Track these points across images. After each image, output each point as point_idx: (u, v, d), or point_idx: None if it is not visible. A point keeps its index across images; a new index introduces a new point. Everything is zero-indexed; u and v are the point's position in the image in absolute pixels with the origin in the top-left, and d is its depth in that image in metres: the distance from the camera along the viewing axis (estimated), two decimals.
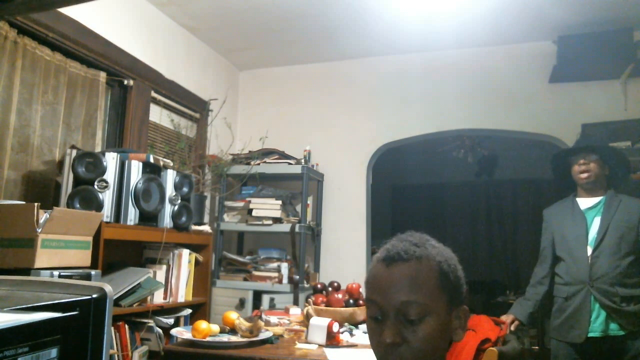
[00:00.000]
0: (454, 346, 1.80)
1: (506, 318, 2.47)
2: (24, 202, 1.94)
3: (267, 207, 3.42)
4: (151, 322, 2.37)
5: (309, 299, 2.35)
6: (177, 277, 2.63)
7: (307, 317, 2.15)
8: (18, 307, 0.71)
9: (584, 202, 2.47)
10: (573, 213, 2.48)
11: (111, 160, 2.24)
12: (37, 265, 1.73)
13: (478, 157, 5.83)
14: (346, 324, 2.21)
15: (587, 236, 2.39)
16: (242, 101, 4.19)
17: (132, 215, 2.31)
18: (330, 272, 3.59)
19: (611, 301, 2.28)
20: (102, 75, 2.68)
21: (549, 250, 2.56)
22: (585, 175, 2.43)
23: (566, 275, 2.44)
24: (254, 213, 3.43)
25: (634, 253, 2.32)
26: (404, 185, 6.91)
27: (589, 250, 2.37)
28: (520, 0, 2.93)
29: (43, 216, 1.76)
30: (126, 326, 2.26)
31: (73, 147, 2.34)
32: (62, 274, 1.79)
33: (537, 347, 4.73)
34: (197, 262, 2.83)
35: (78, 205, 2.11)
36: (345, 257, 3.69)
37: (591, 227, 2.41)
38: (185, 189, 2.67)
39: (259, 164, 3.54)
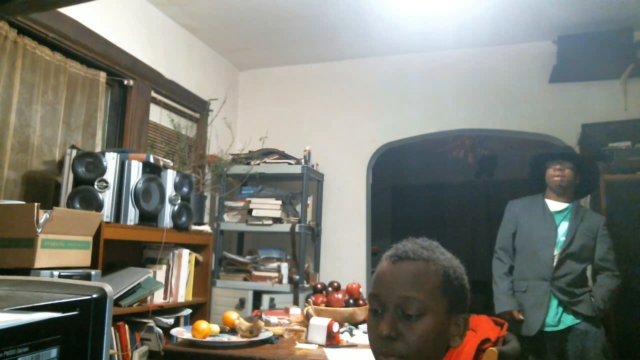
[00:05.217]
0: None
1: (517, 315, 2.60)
2: (24, 202, 1.94)
3: (267, 207, 3.42)
4: (151, 322, 2.37)
5: (309, 299, 2.34)
6: (177, 277, 2.63)
7: (307, 317, 2.15)
8: (18, 307, 0.71)
9: (553, 205, 2.63)
10: (544, 214, 2.63)
11: (111, 160, 2.24)
12: (37, 265, 1.73)
13: (478, 157, 5.82)
14: (346, 324, 2.21)
15: (554, 238, 2.56)
16: (242, 101, 4.19)
17: (132, 215, 2.31)
18: (330, 272, 3.59)
19: (567, 296, 2.47)
20: (102, 75, 2.68)
21: (510, 240, 2.70)
22: (558, 179, 2.59)
23: (528, 270, 2.59)
24: (254, 213, 3.43)
25: (588, 260, 2.55)
26: (404, 185, 6.90)
27: (555, 251, 2.53)
28: (520, 0, 2.93)
29: (43, 216, 1.76)
30: (126, 326, 2.26)
31: (73, 147, 2.34)
32: (62, 274, 1.80)
33: None
34: (197, 262, 2.83)
35: (78, 205, 2.12)
36: (345, 257, 3.69)
37: (558, 230, 2.58)
38: (185, 189, 2.67)
39: (259, 164, 3.54)
